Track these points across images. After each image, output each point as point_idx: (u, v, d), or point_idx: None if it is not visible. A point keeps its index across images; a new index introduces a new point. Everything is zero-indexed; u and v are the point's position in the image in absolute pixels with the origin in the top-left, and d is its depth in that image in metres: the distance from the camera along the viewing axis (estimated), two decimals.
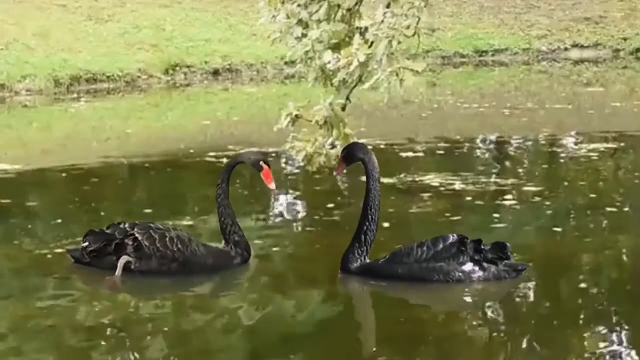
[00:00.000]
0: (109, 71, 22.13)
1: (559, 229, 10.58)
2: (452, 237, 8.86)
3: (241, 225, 9.35)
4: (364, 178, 9.01)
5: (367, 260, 8.98)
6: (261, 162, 9.28)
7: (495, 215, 11.34)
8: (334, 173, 9.13)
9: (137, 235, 9.04)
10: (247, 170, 14.01)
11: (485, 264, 8.78)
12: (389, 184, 12.45)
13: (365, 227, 8.95)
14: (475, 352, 7.58)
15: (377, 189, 8.96)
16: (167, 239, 9.05)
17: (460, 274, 8.77)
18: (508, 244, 8.88)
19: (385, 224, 10.79)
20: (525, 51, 27.24)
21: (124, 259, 9.00)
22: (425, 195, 11.90)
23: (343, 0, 5.97)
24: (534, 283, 9.05)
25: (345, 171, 9.27)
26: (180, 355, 7.49)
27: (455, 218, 10.99)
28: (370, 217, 8.95)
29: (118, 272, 8.97)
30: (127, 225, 9.17)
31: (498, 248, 8.84)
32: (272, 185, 9.31)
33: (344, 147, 8.63)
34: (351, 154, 8.93)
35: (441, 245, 8.82)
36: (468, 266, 8.77)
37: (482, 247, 8.80)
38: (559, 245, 10.09)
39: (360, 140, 8.93)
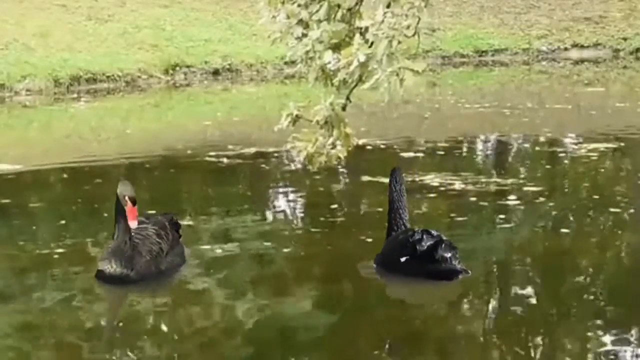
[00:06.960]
0: (109, 71, 22.11)
1: (560, 229, 10.58)
2: (412, 231, 8.88)
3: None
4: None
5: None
6: (126, 197, 8.79)
7: (496, 215, 11.33)
8: None
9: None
10: (248, 170, 14.07)
11: (418, 261, 8.65)
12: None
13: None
14: (476, 352, 7.58)
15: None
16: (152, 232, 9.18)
17: (396, 267, 8.79)
18: (442, 243, 8.63)
19: None
20: (525, 51, 27.22)
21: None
22: (426, 195, 11.90)
23: (343, 0, 5.96)
24: (535, 283, 9.05)
25: None
26: (179, 355, 7.49)
27: (458, 219, 10.97)
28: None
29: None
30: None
31: (432, 247, 8.65)
32: (133, 224, 8.84)
33: None
34: None
35: (401, 237, 8.91)
36: (403, 259, 8.75)
37: (422, 243, 8.64)
38: (560, 245, 10.09)
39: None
